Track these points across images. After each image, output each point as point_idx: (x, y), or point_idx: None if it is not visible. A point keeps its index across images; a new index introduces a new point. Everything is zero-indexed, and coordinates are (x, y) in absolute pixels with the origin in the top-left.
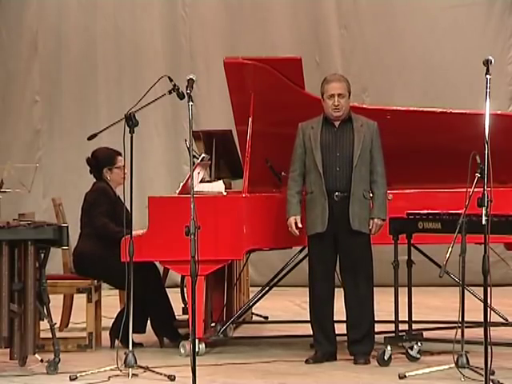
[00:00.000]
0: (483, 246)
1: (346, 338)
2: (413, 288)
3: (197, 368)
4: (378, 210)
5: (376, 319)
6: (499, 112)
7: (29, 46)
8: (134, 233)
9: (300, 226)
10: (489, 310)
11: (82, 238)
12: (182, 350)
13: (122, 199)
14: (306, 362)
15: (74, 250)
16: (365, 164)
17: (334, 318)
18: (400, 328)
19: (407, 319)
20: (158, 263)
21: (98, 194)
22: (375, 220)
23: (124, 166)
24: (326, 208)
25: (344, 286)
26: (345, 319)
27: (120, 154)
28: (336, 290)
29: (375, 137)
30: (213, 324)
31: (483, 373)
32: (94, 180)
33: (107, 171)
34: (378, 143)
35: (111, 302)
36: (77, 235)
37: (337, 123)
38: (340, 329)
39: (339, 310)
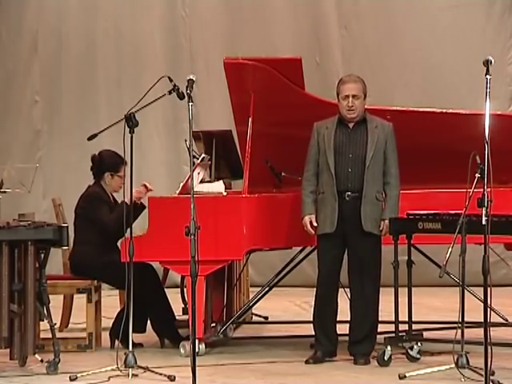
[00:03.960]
0: (483, 246)
1: (347, 337)
2: (413, 288)
3: (197, 368)
4: (390, 211)
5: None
6: (499, 112)
7: (29, 46)
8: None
9: (315, 224)
10: (489, 310)
11: (77, 246)
12: (182, 351)
13: (122, 199)
14: (306, 362)
15: (70, 255)
16: (378, 165)
17: (337, 318)
18: (400, 328)
19: (407, 319)
20: (157, 264)
21: (93, 199)
22: (386, 221)
23: (125, 175)
24: (336, 209)
25: (350, 286)
26: (346, 319)
27: (126, 164)
28: (341, 290)
29: (390, 138)
30: (213, 324)
31: (483, 373)
32: (92, 178)
33: (109, 176)
34: (393, 144)
35: (111, 302)
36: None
37: (351, 124)
38: (341, 329)
39: (341, 310)
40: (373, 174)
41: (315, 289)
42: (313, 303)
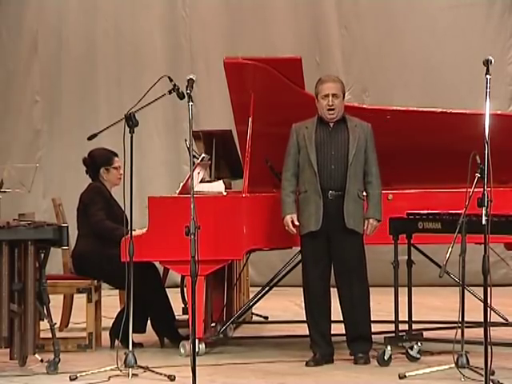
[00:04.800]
0: (483, 245)
1: (344, 338)
2: (413, 288)
3: (197, 368)
4: (373, 210)
5: (376, 319)
6: (499, 112)
7: (29, 46)
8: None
9: (297, 223)
10: (489, 310)
11: (80, 239)
12: (181, 350)
13: (122, 199)
14: (307, 364)
15: (73, 252)
16: (359, 164)
17: (332, 318)
18: (400, 328)
19: (407, 319)
20: (157, 263)
21: (94, 193)
22: (370, 220)
23: (120, 166)
24: (321, 206)
25: (338, 286)
26: (341, 319)
27: (117, 155)
28: (332, 289)
29: (369, 138)
30: (213, 324)
31: (483, 373)
32: (91, 180)
33: (104, 171)
34: (373, 144)
35: (111, 302)
36: (76, 235)
37: (331, 123)
38: (338, 329)
39: (336, 310)
40: (355, 171)
41: (303, 290)
42: (304, 305)
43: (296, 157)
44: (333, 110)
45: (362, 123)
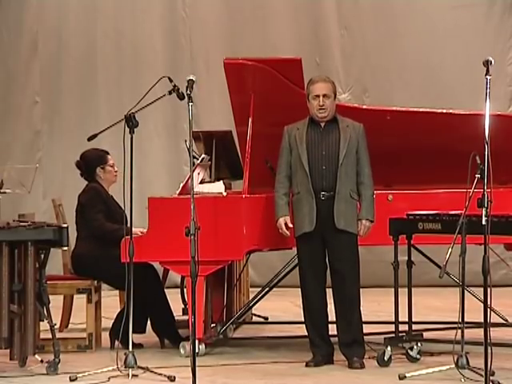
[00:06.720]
0: (483, 246)
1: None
2: (413, 288)
3: (197, 368)
4: (366, 211)
5: (376, 320)
6: (499, 113)
7: (29, 46)
8: (133, 230)
9: (290, 225)
10: (489, 310)
11: (79, 240)
12: (181, 351)
13: (122, 200)
14: (307, 365)
15: (72, 253)
16: (351, 164)
17: (329, 319)
18: (400, 328)
19: (407, 320)
20: (157, 264)
21: (91, 195)
22: (363, 221)
23: (114, 163)
24: (314, 207)
25: (332, 286)
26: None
27: (108, 153)
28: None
29: (361, 138)
30: (213, 325)
31: (483, 373)
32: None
33: (100, 170)
34: (365, 145)
35: (111, 302)
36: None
37: (322, 124)
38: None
39: (333, 310)
40: (346, 171)
41: (301, 291)
42: (302, 306)
43: (288, 158)
44: (323, 109)
45: (354, 123)
